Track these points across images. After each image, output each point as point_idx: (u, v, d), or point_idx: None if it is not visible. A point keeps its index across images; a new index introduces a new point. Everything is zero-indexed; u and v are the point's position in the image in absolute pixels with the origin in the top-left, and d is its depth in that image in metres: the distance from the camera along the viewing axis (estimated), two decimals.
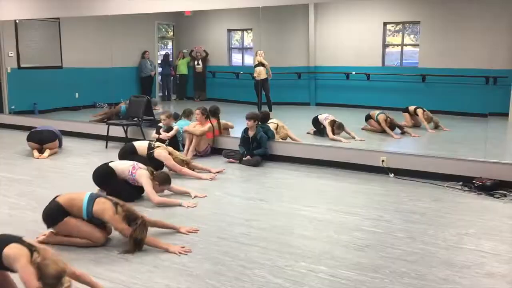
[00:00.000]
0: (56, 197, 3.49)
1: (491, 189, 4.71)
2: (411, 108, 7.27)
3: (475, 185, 4.81)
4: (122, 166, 4.54)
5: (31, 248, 2.46)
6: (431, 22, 7.68)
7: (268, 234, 3.68)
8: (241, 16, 9.09)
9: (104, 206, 3.35)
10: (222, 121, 6.67)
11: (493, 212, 4.20)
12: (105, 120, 7.86)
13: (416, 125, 7.28)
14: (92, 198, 3.40)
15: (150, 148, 5.31)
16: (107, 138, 7.15)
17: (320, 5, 8.43)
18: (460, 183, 4.98)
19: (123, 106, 8.25)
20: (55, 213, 3.39)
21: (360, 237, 3.61)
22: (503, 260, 3.22)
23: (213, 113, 6.55)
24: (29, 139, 6.59)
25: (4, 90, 9.00)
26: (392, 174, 5.42)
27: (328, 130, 6.90)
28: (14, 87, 9.01)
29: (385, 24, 8.12)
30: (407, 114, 7.33)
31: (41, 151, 6.51)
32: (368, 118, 7.34)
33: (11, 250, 2.44)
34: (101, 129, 7.60)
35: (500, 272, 3.05)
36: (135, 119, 7.18)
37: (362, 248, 3.41)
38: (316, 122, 7.20)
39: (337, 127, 6.89)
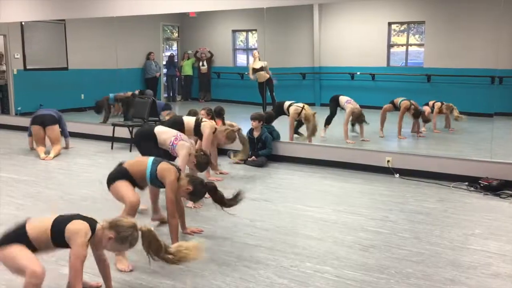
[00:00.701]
0: (121, 163, 3.50)
1: (497, 189, 4.69)
2: (431, 102, 7.13)
3: (481, 185, 4.79)
4: (165, 136, 4.38)
5: (92, 222, 2.53)
6: (436, 22, 7.65)
7: (273, 235, 3.68)
8: (245, 17, 9.09)
9: (169, 168, 3.37)
10: (227, 122, 6.67)
11: (499, 212, 4.18)
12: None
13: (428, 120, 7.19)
14: (157, 161, 3.43)
15: (197, 122, 5.12)
16: (112, 139, 7.18)
17: (325, 6, 8.42)
18: (466, 183, 4.97)
19: (111, 94, 8.51)
20: (119, 174, 3.39)
21: (365, 238, 3.61)
22: (510, 260, 3.21)
23: (218, 114, 6.55)
24: (32, 122, 6.74)
25: (11, 91, 9.07)
26: (397, 174, 5.40)
27: (347, 117, 6.75)
28: (20, 88, 9.07)
29: (389, 24, 8.09)
30: (427, 108, 7.20)
31: (46, 147, 6.60)
32: (391, 102, 7.16)
33: (72, 225, 2.48)
34: (106, 130, 7.63)
35: (507, 272, 3.03)
36: (139, 120, 7.20)
37: (367, 249, 3.40)
38: (335, 102, 7.03)
39: (360, 119, 6.71)
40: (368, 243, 3.50)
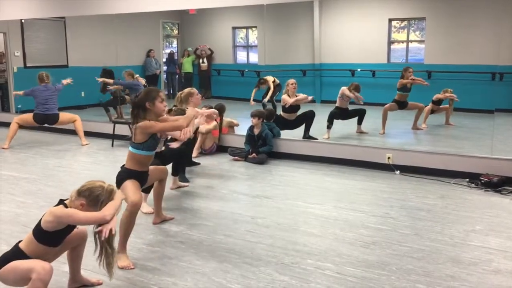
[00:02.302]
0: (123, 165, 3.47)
1: (498, 186, 4.69)
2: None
3: (482, 181, 4.79)
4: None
5: (61, 202, 2.54)
6: (436, 18, 7.64)
7: (274, 232, 3.68)
8: (245, 14, 9.08)
9: (139, 126, 3.25)
10: (227, 119, 6.67)
11: (500, 209, 4.18)
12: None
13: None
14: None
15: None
16: (113, 137, 7.18)
17: (325, 2, 8.40)
18: (467, 179, 4.96)
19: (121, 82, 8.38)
20: (126, 174, 3.37)
21: (366, 234, 3.61)
22: (511, 256, 3.21)
23: (219, 111, 6.55)
24: (34, 118, 6.98)
25: (11, 89, 9.06)
26: (398, 171, 5.40)
27: (347, 93, 6.93)
28: (21, 86, 9.02)
29: (390, 20, 8.08)
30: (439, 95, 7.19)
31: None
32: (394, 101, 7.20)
33: (45, 216, 2.46)
34: (106, 127, 7.64)
35: (508, 268, 3.03)
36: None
37: (368, 245, 3.40)
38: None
39: (357, 88, 6.94)
40: (369, 240, 3.50)
